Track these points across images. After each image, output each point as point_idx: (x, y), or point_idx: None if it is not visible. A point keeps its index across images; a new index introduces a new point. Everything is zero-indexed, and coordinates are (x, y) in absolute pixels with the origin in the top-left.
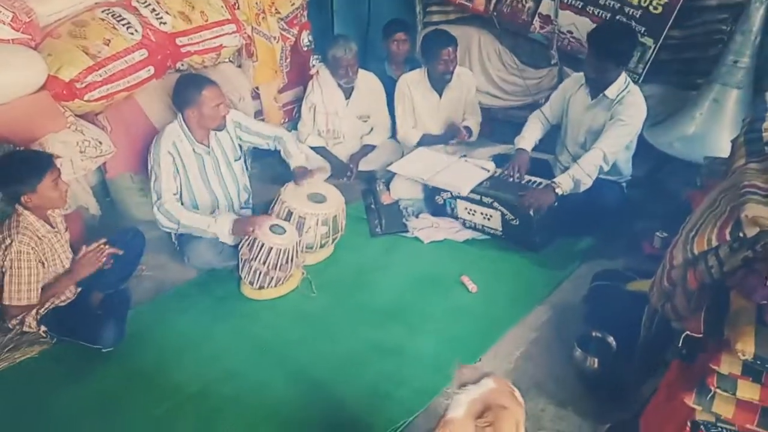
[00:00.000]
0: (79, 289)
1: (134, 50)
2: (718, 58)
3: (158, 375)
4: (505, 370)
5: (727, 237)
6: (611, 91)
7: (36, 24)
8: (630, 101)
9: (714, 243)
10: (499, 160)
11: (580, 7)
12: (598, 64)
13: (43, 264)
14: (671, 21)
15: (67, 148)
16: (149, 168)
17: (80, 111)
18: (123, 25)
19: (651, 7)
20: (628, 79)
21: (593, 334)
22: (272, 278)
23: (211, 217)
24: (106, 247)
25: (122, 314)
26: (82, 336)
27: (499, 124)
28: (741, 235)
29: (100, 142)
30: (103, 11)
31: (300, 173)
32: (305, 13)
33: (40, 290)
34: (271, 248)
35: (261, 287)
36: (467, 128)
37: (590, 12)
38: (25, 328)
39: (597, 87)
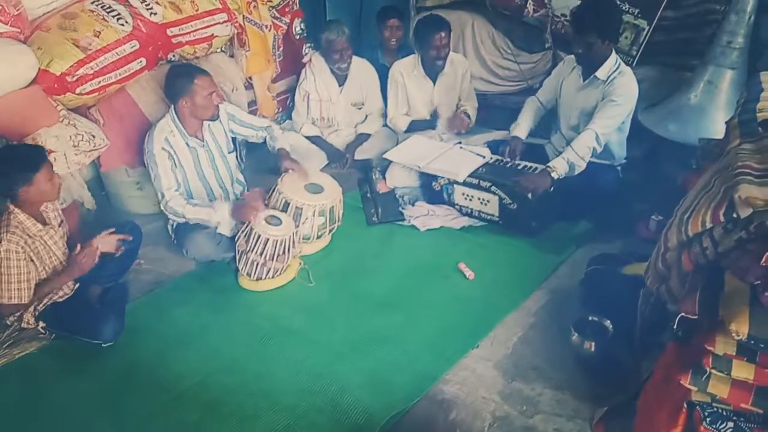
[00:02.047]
0: (77, 285)
1: (125, 42)
2: (712, 39)
3: (158, 367)
4: (503, 354)
5: (721, 218)
6: (602, 72)
7: (25, 17)
8: (621, 82)
9: (708, 224)
10: (495, 146)
11: None
12: (581, 38)
13: (33, 262)
14: (665, 2)
15: (61, 143)
16: (146, 165)
17: (72, 104)
18: (113, 16)
19: None
20: (619, 60)
21: (590, 318)
22: (269, 269)
23: (211, 208)
24: (115, 235)
25: (121, 308)
26: (81, 331)
27: (495, 110)
28: (735, 215)
29: (94, 136)
30: (92, 3)
31: (283, 155)
32: (297, 0)
33: (32, 289)
34: (268, 239)
35: (259, 278)
36: (465, 113)
37: None
38: (24, 325)
39: (588, 67)
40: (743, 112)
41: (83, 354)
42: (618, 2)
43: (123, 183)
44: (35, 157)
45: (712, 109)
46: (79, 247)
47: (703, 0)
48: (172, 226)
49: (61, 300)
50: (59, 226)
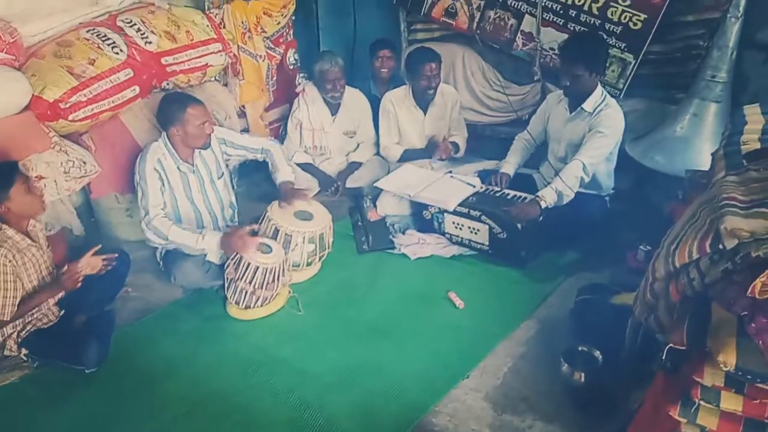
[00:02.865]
0: (62, 312)
1: (119, 70)
2: (696, 72)
3: (144, 397)
4: (493, 385)
5: (708, 249)
6: (588, 104)
7: (20, 44)
8: (607, 113)
9: (695, 255)
10: (485, 175)
11: (561, 24)
12: (569, 70)
13: (20, 279)
14: (651, 37)
15: (51, 169)
16: (135, 184)
17: (65, 131)
18: (108, 44)
19: (631, 23)
20: (605, 92)
21: (579, 348)
22: (258, 297)
23: (199, 233)
24: (99, 257)
25: (106, 335)
26: (64, 357)
27: (485, 140)
28: (721, 247)
29: (85, 162)
30: (87, 31)
31: (286, 190)
32: (291, 31)
33: (15, 306)
34: (258, 267)
35: (247, 307)
36: (454, 144)
37: (571, 29)
38: (6, 353)
39: (574, 99)
40: (728, 144)
41: (67, 383)
42: (605, 37)
43: (113, 209)
44: (6, 174)
45: (697, 141)
46: (67, 266)
47: (687, 36)
48: (161, 253)
49: (45, 326)
50: (47, 247)
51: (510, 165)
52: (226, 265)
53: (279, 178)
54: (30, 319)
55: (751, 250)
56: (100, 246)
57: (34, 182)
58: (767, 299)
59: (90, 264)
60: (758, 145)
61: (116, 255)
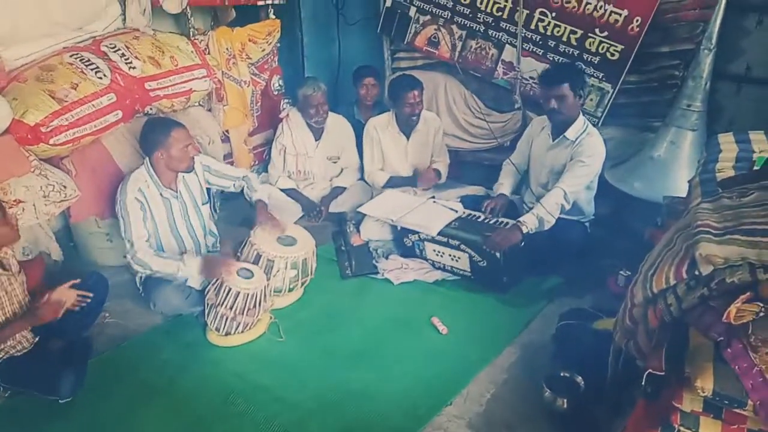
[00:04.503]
0: (37, 338)
1: (102, 94)
2: (672, 102)
3: (121, 427)
4: (476, 412)
5: (684, 275)
6: (571, 133)
7: (1, 68)
8: (589, 143)
9: (672, 281)
10: (468, 201)
11: (541, 54)
12: (553, 92)
13: None
14: (628, 67)
15: (31, 193)
16: (117, 214)
17: (45, 155)
18: (91, 69)
19: (608, 54)
20: (587, 122)
21: (561, 374)
22: (239, 324)
23: (179, 261)
24: (75, 291)
25: (82, 363)
26: (37, 386)
27: (467, 166)
28: (697, 273)
29: (65, 186)
30: (71, 56)
31: (261, 209)
32: (276, 58)
33: None
34: (239, 293)
35: (228, 333)
36: (436, 171)
37: (551, 59)
38: None
39: (558, 125)
40: (703, 171)
41: (40, 413)
42: (584, 66)
43: (92, 234)
44: None
45: (675, 168)
46: (47, 296)
47: (663, 66)
48: (141, 278)
49: (18, 354)
50: (18, 273)
51: (505, 186)
52: (206, 291)
53: (255, 197)
54: (2, 346)
55: (725, 276)
56: (79, 280)
57: (9, 210)
58: (743, 325)
59: (65, 295)
60: (732, 173)
61: (91, 295)
